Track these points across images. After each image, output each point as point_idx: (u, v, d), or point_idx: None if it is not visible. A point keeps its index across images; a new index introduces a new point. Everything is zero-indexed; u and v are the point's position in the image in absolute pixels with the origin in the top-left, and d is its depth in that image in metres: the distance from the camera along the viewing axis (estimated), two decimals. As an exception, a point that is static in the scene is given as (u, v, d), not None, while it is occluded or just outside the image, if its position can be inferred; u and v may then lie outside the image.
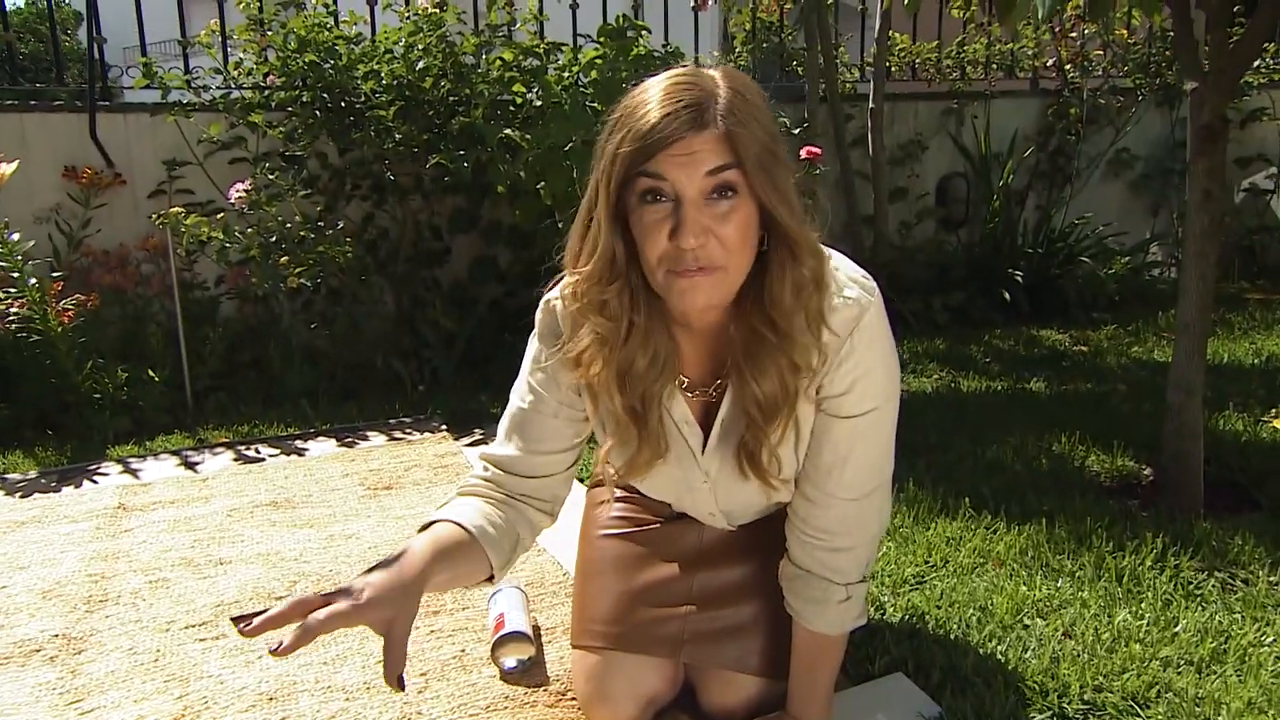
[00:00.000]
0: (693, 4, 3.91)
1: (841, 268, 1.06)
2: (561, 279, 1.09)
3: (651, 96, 0.93)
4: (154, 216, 2.82)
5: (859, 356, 1.04)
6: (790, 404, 1.06)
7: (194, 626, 1.61)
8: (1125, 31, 4.49)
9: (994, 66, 4.51)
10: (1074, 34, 4.36)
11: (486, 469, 1.18)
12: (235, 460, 2.49)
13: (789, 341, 1.00)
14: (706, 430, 1.14)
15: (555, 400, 1.13)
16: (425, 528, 1.06)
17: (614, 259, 0.98)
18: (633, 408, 1.07)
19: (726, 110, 0.91)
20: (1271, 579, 1.65)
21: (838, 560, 1.13)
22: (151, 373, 2.77)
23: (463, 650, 1.51)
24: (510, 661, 1.44)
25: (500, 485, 1.17)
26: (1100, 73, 4.47)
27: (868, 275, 1.08)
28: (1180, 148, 4.63)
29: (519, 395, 1.17)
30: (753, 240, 0.96)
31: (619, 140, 0.93)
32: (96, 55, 3.16)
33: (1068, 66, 4.43)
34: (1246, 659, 1.40)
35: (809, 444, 1.11)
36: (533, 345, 1.16)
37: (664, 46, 3.37)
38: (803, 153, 3.37)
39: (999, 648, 1.45)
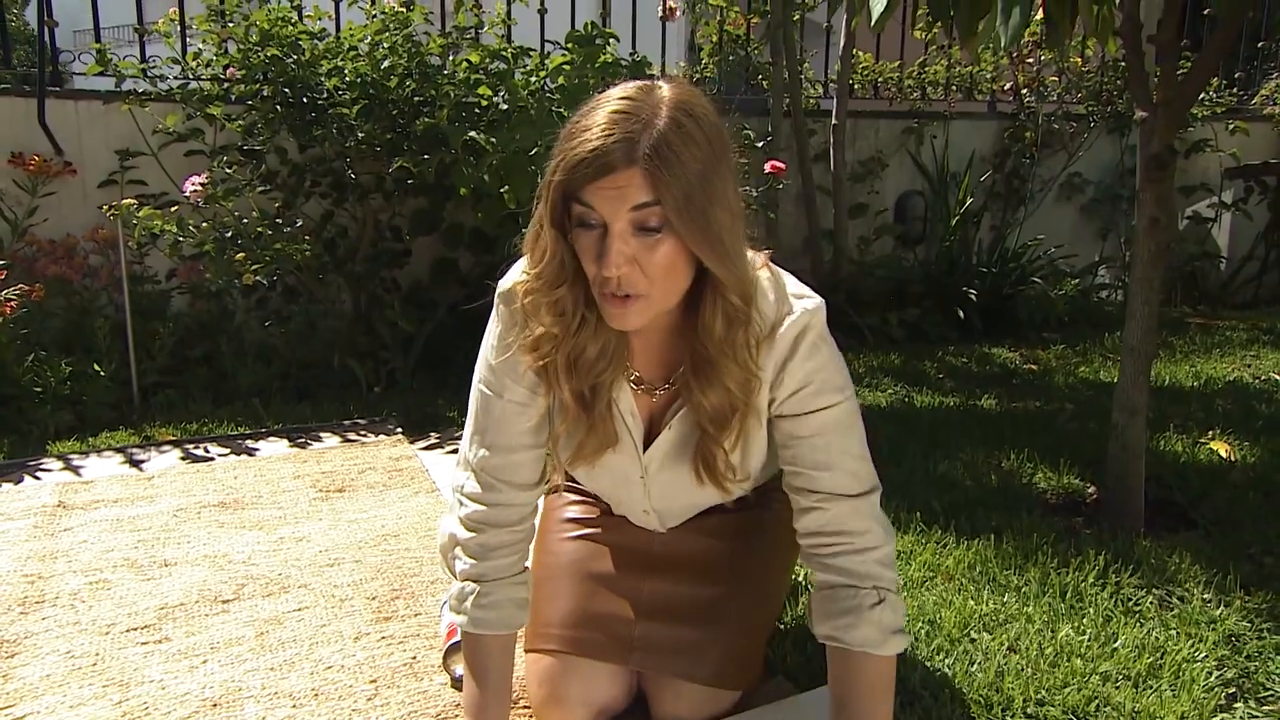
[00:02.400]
0: (660, 14, 3.94)
1: (788, 285, 1.11)
2: (516, 264, 1.11)
3: (591, 122, 0.94)
4: (104, 207, 2.76)
5: (806, 357, 1.08)
6: (740, 414, 1.09)
7: (136, 630, 1.57)
8: (1080, 60, 4.62)
9: (954, 88, 4.61)
10: (1031, 60, 4.49)
11: (471, 533, 1.18)
12: (183, 459, 2.44)
13: (722, 368, 1.04)
14: (650, 427, 1.17)
15: (515, 385, 1.14)
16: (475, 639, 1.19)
17: (563, 264, 1.01)
18: (581, 394, 1.10)
19: (656, 147, 0.92)
20: (1205, 596, 1.70)
21: (860, 563, 1.10)
22: (97, 367, 2.70)
23: (414, 657, 1.50)
24: (462, 669, 1.42)
25: (486, 547, 1.18)
26: (1055, 98, 4.60)
27: (811, 292, 1.11)
28: (1129, 174, 4.78)
29: (481, 381, 1.17)
30: (683, 269, 0.98)
31: (554, 165, 0.96)
32: (47, 39, 3.07)
33: (1024, 91, 4.55)
34: (1181, 674, 1.45)
35: (792, 453, 1.12)
36: (492, 330, 1.16)
37: (631, 55, 3.39)
38: (766, 167, 3.41)
39: (946, 661, 1.48)
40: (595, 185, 0.93)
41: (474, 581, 1.18)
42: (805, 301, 1.09)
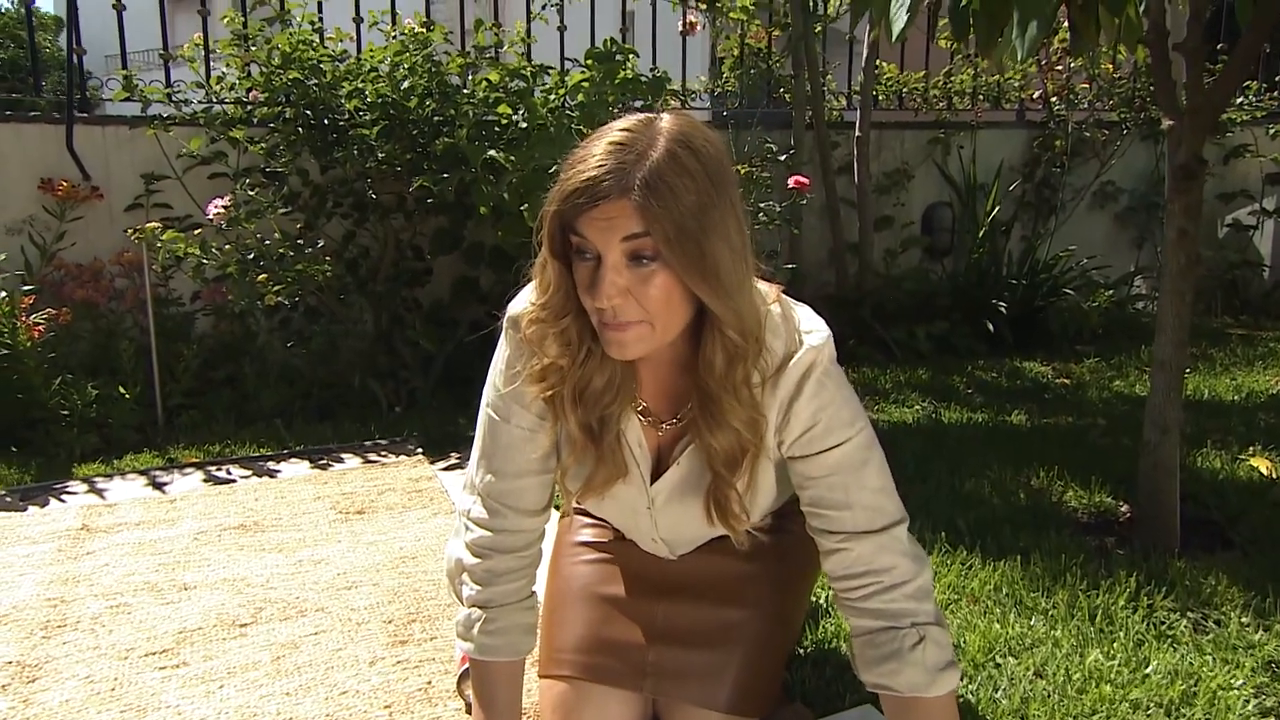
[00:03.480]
0: (681, 29, 3.96)
1: (800, 320, 1.09)
2: (526, 287, 1.12)
3: (589, 153, 0.95)
4: (130, 231, 2.81)
5: (812, 396, 1.06)
6: (751, 454, 1.08)
7: (154, 654, 1.59)
8: (1110, 66, 4.57)
9: (980, 97, 4.58)
10: (1060, 67, 4.44)
11: (477, 557, 1.19)
12: (205, 481, 2.47)
13: (726, 406, 1.04)
14: (658, 459, 1.17)
15: (523, 412, 1.15)
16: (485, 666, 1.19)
17: (567, 295, 1.02)
18: (589, 426, 1.10)
19: (649, 179, 0.92)
20: (1244, 620, 1.66)
21: (892, 601, 1.07)
22: (122, 389, 2.75)
23: (429, 682, 1.50)
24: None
25: (492, 573, 1.19)
26: (1085, 106, 4.55)
27: (821, 325, 1.10)
28: (1164, 182, 4.70)
29: (489, 405, 1.18)
30: (680, 301, 0.98)
31: (552, 195, 0.97)
32: (76, 64, 3.16)
33: (1053, 99, 4.51)
34: (1215, 703, 1.42)
35: (809, 494, 1.10)
36: (500, 355, 1.17)
37: (651, 70, 3.41)
38: (790, 181, 3.41)
39: (970, 687, 1.46)
40: (588, 215, 0.93)
41: (480, 608, 1.19)
42: (811, 337, 1.07)
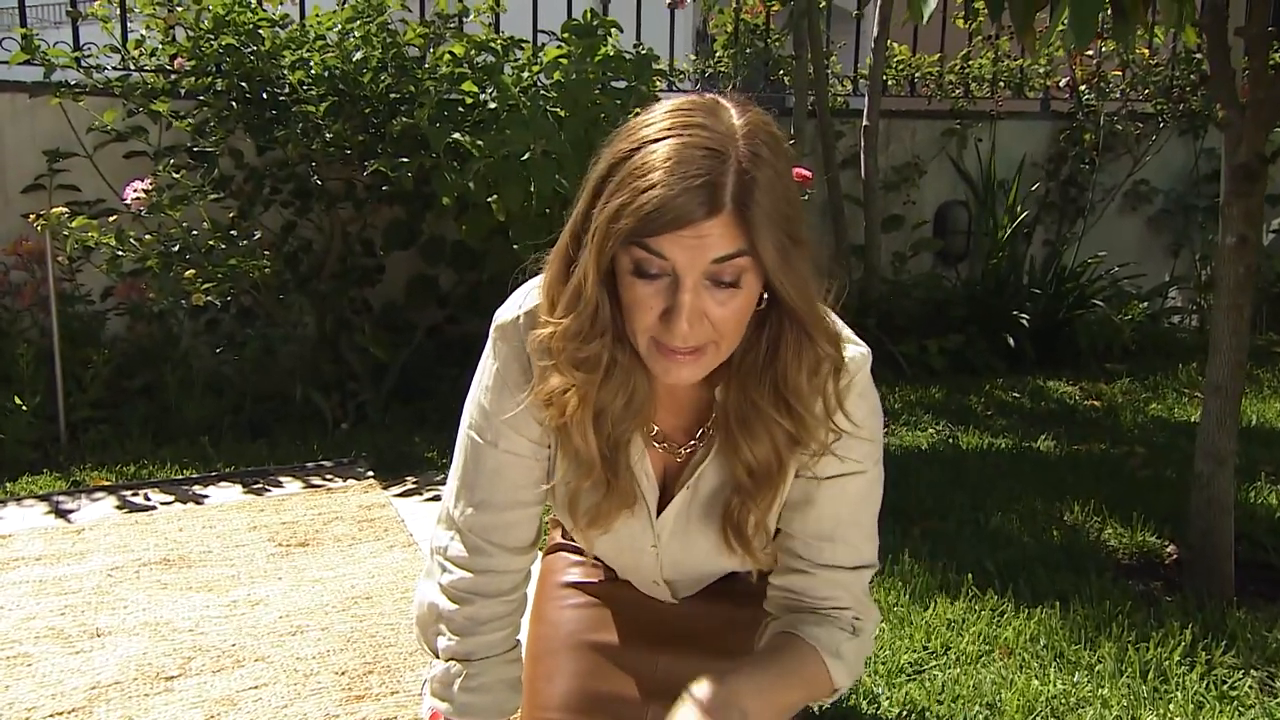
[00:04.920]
0: (668, 1, 3.97)
1: (840, 329, 1.10)
2: (516, 292, 1.10)
3: (660, 158, 0.91)
4: (30, 216, 2.75)
5: (852, 407, 1.07)
6: (784, 474, 1.09)
7: (62, 714, 1.55)
8: (1146, 51, 4.64)
9: (1001, 84, 4.64)
10: (1090, 52, 4.50)
11: (456, 592, 1.16)
12: (118, 508, 2.42)
13: (800, 424, 1.04)
14: (663, 490, 1.16)
15: (514, 435, 1.13)
16: None
17: (597, 315, 0.99)
18: (604, 452, 1.09)
19: (745, 186, 0.90)
20: (1312, 677, 1.68)
21: (826, 617, 1.13)
22: (18, 400, 2.68)
23: (389, 746, 1.48)
24: (447, 761, 1.40)
25: (474, 621, 1.17)
26: (1118, 95, 4.62)
27: (859, 341, 1.12)
28: (1204, 181, 4.79)
29: (472, 426, 1.15)
30: (748, 315, 0.98)
31: (617, 208, 0.92)
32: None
33: (1082, 87, 4.58)
34: (1287, 771, 1.42)
35: (799, 516, 1.13)
36: (487, 369, 1.14)
37: (635, 47, 3.41)
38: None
39: (1011, 753, 1.45)
40: (675, 234, 0.91)
41: (460, 661, 1.16)
42: (852, 349, 1.09)
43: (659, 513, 1.17)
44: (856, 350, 1.09)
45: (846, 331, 1.11)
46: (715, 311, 0.94)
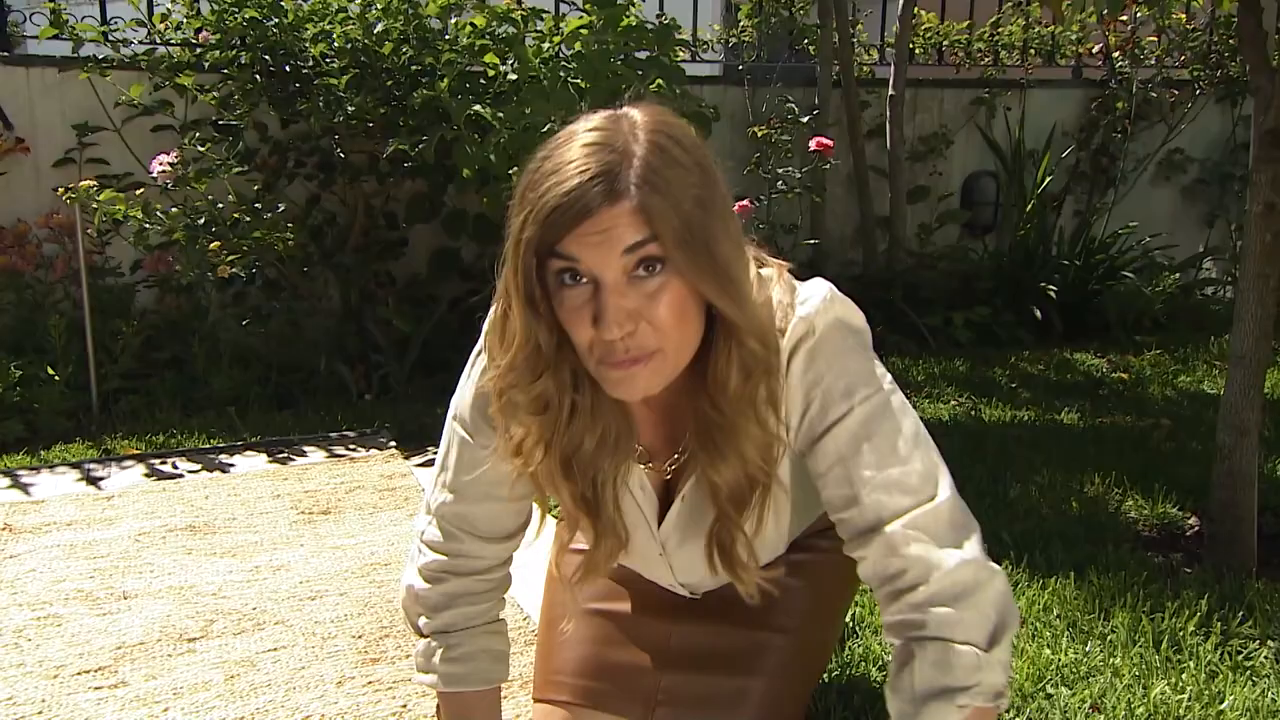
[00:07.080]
0: (692, -31, 3.94)
1: (798, 297, 1.03)
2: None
3: (556, 164, 0.90)
4: (60, 190, 2.79)
5: (801, 371, 1.01)
6: (762, 488, 1.03)
7: (89, 673, 1.58)
8: (1184, 16, 4.53)
9: (1032, 51, 4.55)
10: (1124, 17, 4.41)
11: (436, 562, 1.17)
12: (147, 475, 2.46)
13: (740, 430, 0.98)
14: (663, 497, 1.14)
15: (494, 436, 1.08)
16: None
17: (539, 348, 0.95)
18: (583, 496, 1.04)
19: (642, 175, 0.88)
20: (1330, 649, 1.66)
21: (899, 612, 0.98)
22: (51, 370, 2.74)
23: (404, 705, 1.50)
24: None
25: (449, 596, 1.17)
26: (1153, 62, 4.52)
27: (819, 288, 1.04)
28: (1242, 150, 4.69)
29: (455, 416, 1.13)
30: (694, 315, 0.94)
31: (522, 221, 0.91)
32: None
33: (1116, 54, 4.49)
34: (1300, 742, 1.41)
35: (826, 496, 1.04)
36: (476, 362, 1.12)
37: (658, 18, 3.38)
38: (812, 144, 3.39)
39: (1019, 721, 1.45)
40: (577, 233, 0.88)
41: (439, 634, 1.17)
42: (803, 307, 1.02)
43: (659, 523, 1.16)
44: (808, 309, 1.02)
45: (804, 292, 1.04)
46: (647, 309, 0.91)
